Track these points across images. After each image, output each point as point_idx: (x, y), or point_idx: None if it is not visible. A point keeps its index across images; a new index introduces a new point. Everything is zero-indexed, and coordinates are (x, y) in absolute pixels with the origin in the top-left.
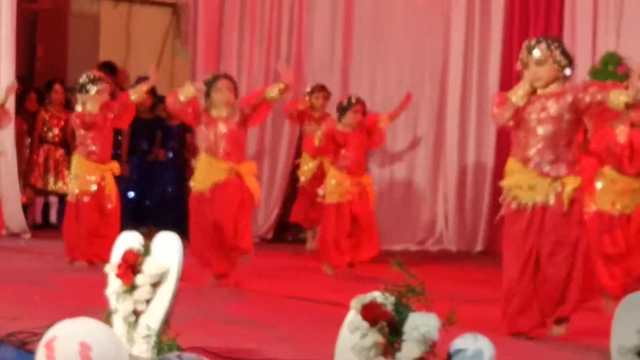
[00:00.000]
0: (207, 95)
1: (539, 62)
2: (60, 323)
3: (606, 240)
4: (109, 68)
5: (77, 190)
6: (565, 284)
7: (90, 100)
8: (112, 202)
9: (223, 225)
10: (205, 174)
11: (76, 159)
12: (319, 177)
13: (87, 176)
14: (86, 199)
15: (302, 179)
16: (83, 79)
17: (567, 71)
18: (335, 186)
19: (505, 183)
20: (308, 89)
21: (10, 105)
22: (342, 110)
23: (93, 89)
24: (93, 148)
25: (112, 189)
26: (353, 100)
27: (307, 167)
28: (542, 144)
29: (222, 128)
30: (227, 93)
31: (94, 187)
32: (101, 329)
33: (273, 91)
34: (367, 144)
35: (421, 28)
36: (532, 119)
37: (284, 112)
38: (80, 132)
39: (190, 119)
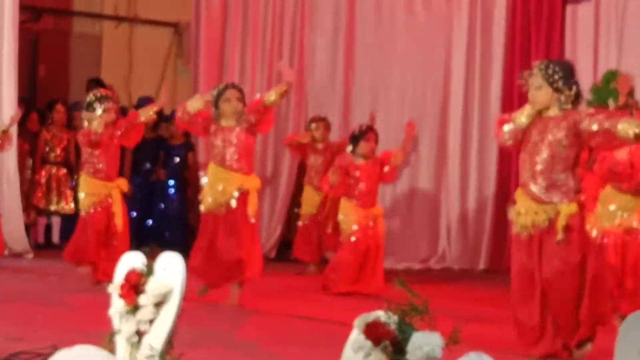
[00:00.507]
0: (216, 105)
1: (536, 87)
2: (57, 353)
3: (613, 258)
4: (97, 85)
5: (88, 206)
6: (576, 308)
7: (96, 119)
8: (119, 221)
9: (232, 254)
10: (215, 190)
11: (83, 178)
12: (321, 212)
13: (95, 194)
14: (97, 210)
15: (308, 212)
16: (90, 97)
17: (563, 97)
18: (347, 219)
19: (512, 208)
20: (309, 122)
21: (13, 127)
22: (355, 139)
23: (100, 108)
24: (100, 166)
25: (119, 207)
26: (364, 129)
27: (310, 202)
28: (539, 167)
29: (232, 138)
30: (236, 102)
31: (98, 205)
32: (97, 355)
33: (272, 96)
34: (380, 177)
35: (423, 48)
36: (532, 142)
37: (285, 143)
38: (87, 151)
39: (200, 130)
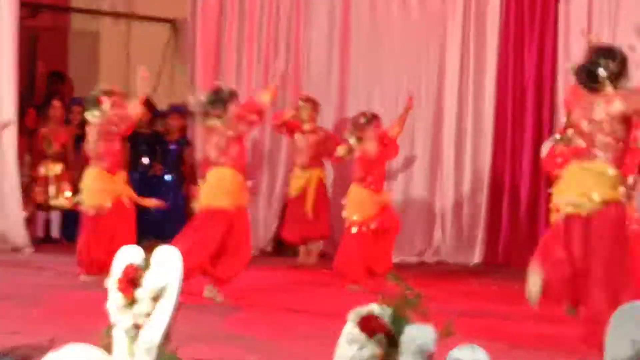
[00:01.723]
0: None
1: None
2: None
3: None
4: (58, 77)
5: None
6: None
7: (102, 113)
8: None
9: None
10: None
11: (90, 173)
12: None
13: (102, 188)
14: (105, 210)
15: (293, 193)
16: (97, 92)
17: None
18: (358, 205)
19: None
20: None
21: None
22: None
23: (107, 103)
24: (108, 159)
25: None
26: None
27: (298, 181)
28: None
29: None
30: None
31: (109, 200)
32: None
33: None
34: (385, 156)
35: (418, 45)
36: None
37: (273, 126)
38: (92, 145)
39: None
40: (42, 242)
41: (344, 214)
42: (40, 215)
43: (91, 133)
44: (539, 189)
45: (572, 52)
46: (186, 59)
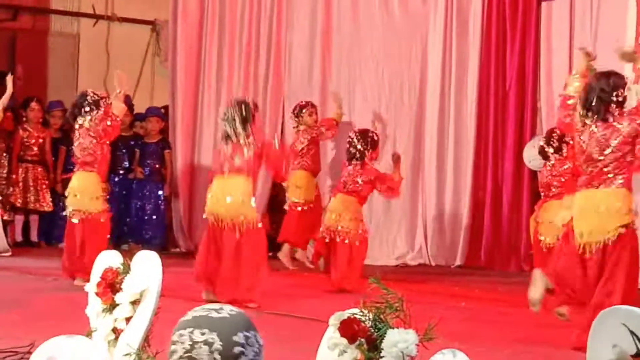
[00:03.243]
0: None
1: None
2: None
3: None
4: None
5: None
6: None
7: (95, 118)
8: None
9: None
10: None
11: (83, 177)
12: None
13: (92, 193)
14: (97, 216)
15: (294, 199)
16: (93, 96)
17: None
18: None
19: None
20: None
21: None
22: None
23: (101, 107)
24: (95, 165)
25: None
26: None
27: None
28: None
29: None
30: None
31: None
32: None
33: None
34: None
35: (399, 46)
36: None
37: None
38: (85, 150)
39: None
40: (20, 245)
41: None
42: (19, 219)
43: (84, 137)
44: (521, 192)
45: (554, 55)
46: (167, 61)
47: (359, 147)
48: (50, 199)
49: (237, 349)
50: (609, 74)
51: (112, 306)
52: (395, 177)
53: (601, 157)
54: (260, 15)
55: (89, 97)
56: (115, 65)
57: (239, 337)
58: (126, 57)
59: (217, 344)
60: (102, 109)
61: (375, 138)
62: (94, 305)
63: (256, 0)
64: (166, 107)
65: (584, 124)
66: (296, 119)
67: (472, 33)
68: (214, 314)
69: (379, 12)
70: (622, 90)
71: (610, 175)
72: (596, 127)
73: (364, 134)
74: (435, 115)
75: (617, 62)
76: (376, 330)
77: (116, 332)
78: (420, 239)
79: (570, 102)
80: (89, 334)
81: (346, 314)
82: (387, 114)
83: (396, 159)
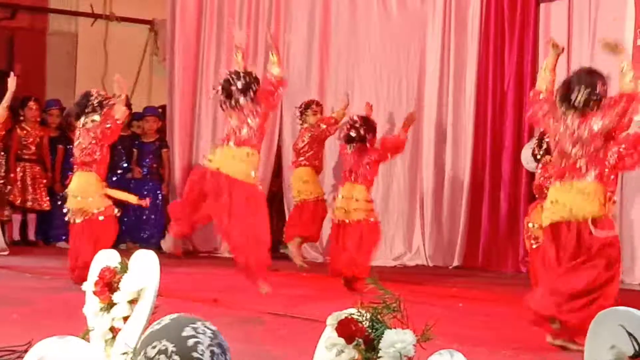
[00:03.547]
0: None
1: None
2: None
3: None
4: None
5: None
6: None
7: (100, 117)
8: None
9: None
10: None
11: (90, 177)
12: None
13: (93, 192)
14: (102, 217)
15: (303, 196)
16: (99, 97)
17: None
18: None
19: None
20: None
21: None
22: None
23: (105, 108)
24: (94, 166)
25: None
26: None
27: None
28: None
29: None
30: None
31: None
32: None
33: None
34: None
35: (398, 46)
36: None
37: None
38: (86, 150)
39: None
40: (18, 244)
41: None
42: (16, 218)
43: (84, 138)
44: (519, 193)
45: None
46: (165, 60)
47: (361, 131)
48: (48, 198)
49: (190, 341)
50: (590, 72)
51: (110, 305)
52: (401, 136)
53: (574, 151)
54: (259, 14)
55: (92, 98)
56: (114, 64)
57: (187, 331)
58: (124, 57)
59: (170, 347)
60: (105, 110)
61: (375, 125)
62: (92, 304)
63: (254, 0)
64: (164, 107)
65: (560, 118)
66: (300, 117)
67: (470, 33)
68: (156, 327)
69: (377, 12)
70: (604, 88)
71: (584, 170)
72: (572, 121)
73: (366, 119)
74: (433, 115)
75: (615, 64)
76: (374, 330)
77: (114, 331)
78: (418, 240)
79: (541, 96)
80: (86, 333)
81: (344, 314)
82: (385, 114)
83: (409, 119)
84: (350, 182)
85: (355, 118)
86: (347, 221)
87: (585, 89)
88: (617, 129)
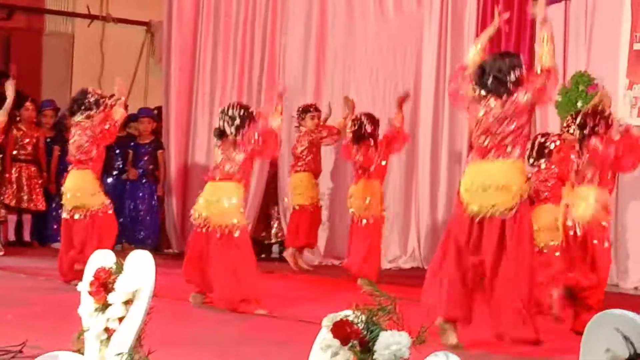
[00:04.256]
0: None
1: None
2: None
3: None
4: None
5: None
6: None
7: (94, 117)
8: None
9: None
10: None
11: (86, 175)
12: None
13: (90, 189)
14: (101, 210)
15: (301, 201)
16: (93, 95)
17: None
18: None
19: None
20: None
21: None
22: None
23: (101, 107)
24: (90, 164)
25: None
26: None
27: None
28: None
29: None
30: None
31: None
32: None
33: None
34: None
35: (394, 50)
36: None
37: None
38: (82, 149)
39: None
40: (13, 245)
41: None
42: (12, 218)
43: (80, 136)
44: None
45: None
46: (161, 61)
47: (369, 129)
48: (43, 199)
49: None
50: (504, 54)
51: (105, 306)
52: (397, 122)
53: (500, 130)
54: (255, 16)
55: (89, 95)
56: (110, 65)
57: None
58: (121, 58)
59: None
60: (102, 109)
61: (377, 119)
62: (87, 305)
63: (251, 2)
64: (159, 108)
65: (480, 99)
66: (298, 121)
67: (466, 37)
68: None
69: (374, 15)
70: (519, 69)
71: (509, 149)
72: (493, 102)
73: (371, 116)
74: (429, 118)
75: (611, 68)
76: (369, 332)
77: (108, 331)
78: (414, 243)
79: (467, 72)
80: (81, 334)
81: (339, 315)
82: (381, 116)
83: (403, 98)
84: (365, 179)
85: (362, 118)
86: (362, 225)
87: (497, 71)
88: (538, 103)
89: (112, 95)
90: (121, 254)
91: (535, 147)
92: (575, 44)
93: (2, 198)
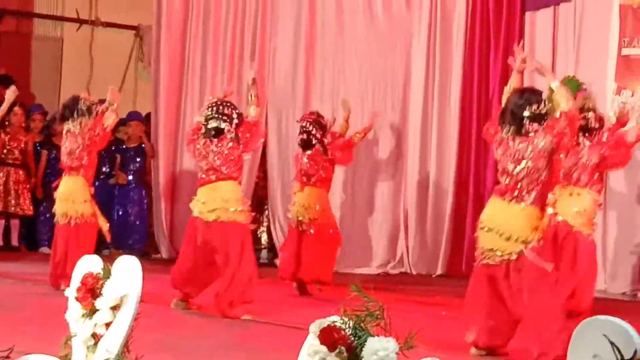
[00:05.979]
0: None
1: None
2: None
3: None
4: (7, 81)
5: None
6: None
7: (85, 124)
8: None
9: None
10: None
11: (77, 181)
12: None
13: (81, 197)
14: (89, 219)
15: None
16: (85, 102)
17: None
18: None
19: None
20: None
21: None
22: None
23: (93, 114)
24: (81, 170)
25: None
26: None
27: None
28: None
29: None
30: None
31: (88, 207)
32: None
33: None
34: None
35: (383, 54)
36: None
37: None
38: (74, 155)
39: None
40: (1, 249)
41: None
42: None
43: (71, 142)
44: None
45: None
46: (150, 65)
47: (317, 135)
48: (31, 203)
49: None
50: (523, 90)
51: (92, 311)
52: (342, 129)
53: (516, 171)
54: (245, 20)
55: (81, 102)
56: (99, 69)
57: None
58: (110, 62)
59: None
60: (93, 116)
61: (325, 122)
62: (74, 310)
63: (240, 6)
64: (148, 115)
65: (502, 137)
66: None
67: (455, 40)
68: None
69: (363, 18)
70: (537, 106)
71: (524, 193)
72: (512, 141)
73: (317, 121)
74: (418, 121)
75: (599, 73)
76: (356, 338)
77: (96, 337)
78: (402, 248)
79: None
80: (68, 339)
81: (326, 321)
82: (370, 120)
83: (346, 107)
84: (310, 186)
85: (305, 124)
86: (310, 232)
87: (513, 106)
88: (559, 149)
89: (102, 100)
90: (109, 259)
91: None
92: (564, 49)
93: None
